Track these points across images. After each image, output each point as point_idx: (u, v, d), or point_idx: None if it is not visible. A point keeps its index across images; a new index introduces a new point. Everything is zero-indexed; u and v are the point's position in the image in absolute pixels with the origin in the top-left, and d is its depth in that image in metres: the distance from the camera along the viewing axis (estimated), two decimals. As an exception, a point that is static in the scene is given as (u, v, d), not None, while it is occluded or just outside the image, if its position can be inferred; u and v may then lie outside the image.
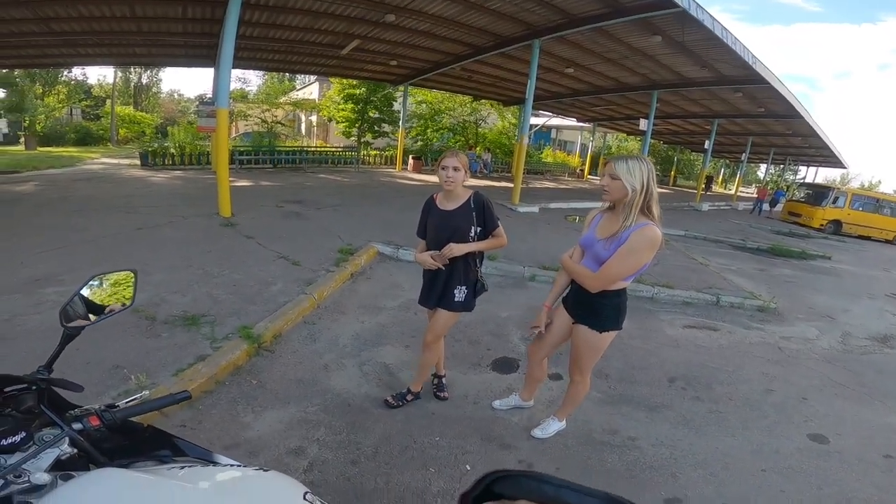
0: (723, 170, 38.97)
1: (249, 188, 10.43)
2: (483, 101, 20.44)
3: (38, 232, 5.44)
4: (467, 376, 3.27)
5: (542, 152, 26.88)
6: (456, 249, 2.37)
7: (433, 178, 15.13)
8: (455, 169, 2.33)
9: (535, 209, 10.98)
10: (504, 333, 4.08)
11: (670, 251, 8.39)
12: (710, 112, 16.69)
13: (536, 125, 25.58)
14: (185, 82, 73.71)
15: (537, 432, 2.66)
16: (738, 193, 26.07)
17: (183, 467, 0.89)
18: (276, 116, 19.76)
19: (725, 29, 8.26)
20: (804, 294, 6.82)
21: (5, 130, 22.47)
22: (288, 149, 17.45)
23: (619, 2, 7.63)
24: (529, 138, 24.60)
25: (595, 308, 2.21)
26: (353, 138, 19.92)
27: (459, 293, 2.49)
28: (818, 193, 17.50)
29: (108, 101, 27.81)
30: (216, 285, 4.26)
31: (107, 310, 1.05)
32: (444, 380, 3.00)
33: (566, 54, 11.07)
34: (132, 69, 31.88)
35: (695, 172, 31.98)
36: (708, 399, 3.30)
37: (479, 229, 2.42)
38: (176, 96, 42.63)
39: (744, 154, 22.62)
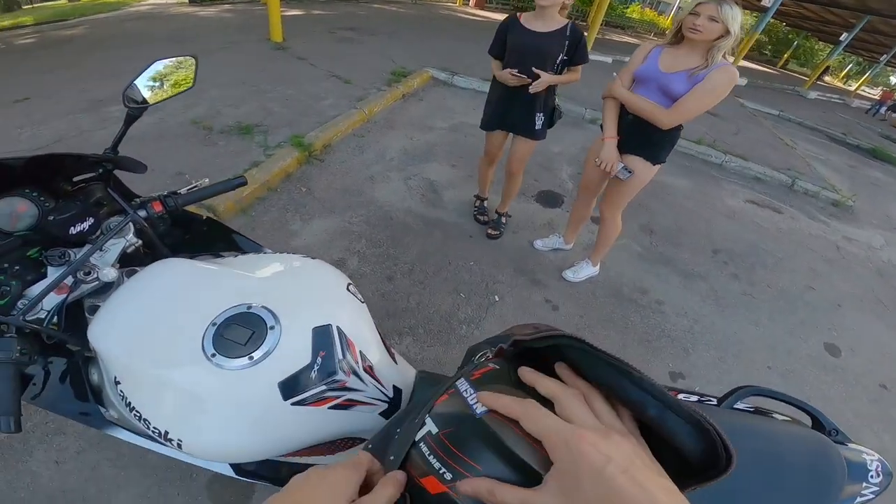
0: (851, 65, 32.86)
1: (301, 16, 9.80)
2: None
3: (95, 64, 5.37)
4: (511, 205, 3.24)
5: (627, 7, 23.21)
6: (546, 80, 2.23)
7: (497, 16, 13.68)
8: None
9: (609, 59, 10.03)
10: (554, 168, 4.06)
11: (756, 126, 7.58)
12: (862, 6, 13.37)
13: (627, -24, 21.56)
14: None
15: (569, 274, 2.73)
16: (859, 92, 22.27)
17: (237, 255, 0.91)
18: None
19: None
20: (888, 201, 6.13)
21: (41, -14, 21.41)
22: (342, -24, 15.87)
23: None
24: (617, -12, 21.06)
25: (656, 140, 2.14)
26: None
27: (539, 120, 2.44)
28: (956, 111, 14.95)
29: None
30: (269, 99, 4.28)
31: (167, 92, 1.02)
32: (503, 218, 3.00)
33: None
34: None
35: (812, 62, 27.35)
36: (746, 280, 3.22)
37: (565, 59, 2.28)
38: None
39: (885, 56, 19.06)
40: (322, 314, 0.72)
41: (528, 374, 0.40)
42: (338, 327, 0.71)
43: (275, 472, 0.82)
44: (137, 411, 0.66)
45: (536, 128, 2.44)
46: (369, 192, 3.14)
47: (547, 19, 2.22)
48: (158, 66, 1.01)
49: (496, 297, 2.47)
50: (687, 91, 1.92)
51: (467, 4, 16.96)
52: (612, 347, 2.34)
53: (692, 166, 4.89)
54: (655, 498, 0.30)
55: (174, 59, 1.03)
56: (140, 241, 0.90)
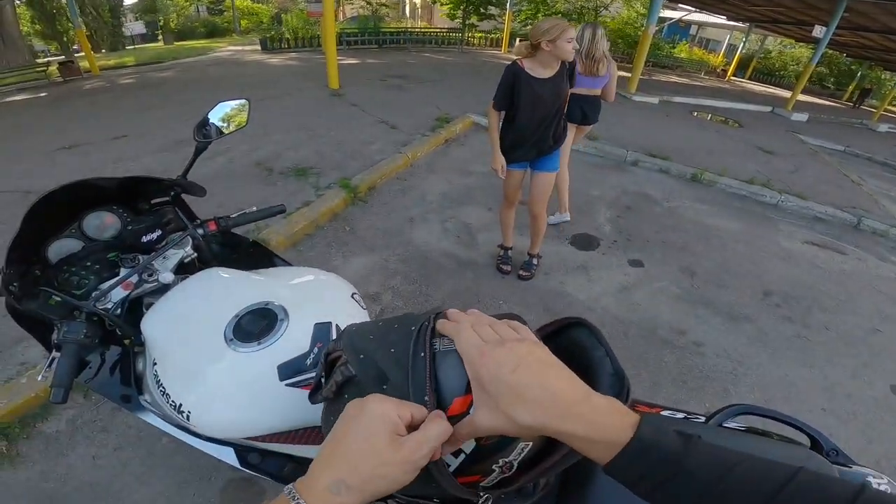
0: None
1: (356, 65, 10.71)
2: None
3: (180, 107, 6.33)
4: (544, 247, 3.22)
5: (675, 47, 23.11)
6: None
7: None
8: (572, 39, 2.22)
9: (655, 100, 9.87)
10: (591, 211, 4.04)
11: (818, 163, 7.17)
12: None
13: (671, 18, 21.49)
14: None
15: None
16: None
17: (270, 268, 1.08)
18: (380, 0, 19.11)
19: None
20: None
21: (144, 31, 26.71)
22: (392, 30, 17.34)
23: None
24: (661, 31, 20.92)
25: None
26: (457, 20, 18.67)
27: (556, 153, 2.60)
28: None
29: (228, -3, 28.71)
30: (323, 144, 4.72)
31: (228, 129, 1.22)
32: (534, 259, 2.96)
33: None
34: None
35: (881, 93, 25.51)
36: (800, 322, 3.00)
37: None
38: (289, -14, 42.08)
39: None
40: (325, 313, 0.84)
41: (440, 323, 0.45)
42: (337, 325, 0.81)
43: (278, 467, 0.88)
44: (163, 387, 0.78)
45: (556, 160, 2.60)
46: (408, 233, 3.31)
47: (552, 63, 2.26)
48: (221, 107, 1.22)
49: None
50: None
51: (512, 51, 17.56)
52: (644, 387, 2.28)
53: (743, 207, 4.71)
54: (547, 383, 0.36)
55: (232, 101, 1.24)
56: (195, 254, 1.09)
